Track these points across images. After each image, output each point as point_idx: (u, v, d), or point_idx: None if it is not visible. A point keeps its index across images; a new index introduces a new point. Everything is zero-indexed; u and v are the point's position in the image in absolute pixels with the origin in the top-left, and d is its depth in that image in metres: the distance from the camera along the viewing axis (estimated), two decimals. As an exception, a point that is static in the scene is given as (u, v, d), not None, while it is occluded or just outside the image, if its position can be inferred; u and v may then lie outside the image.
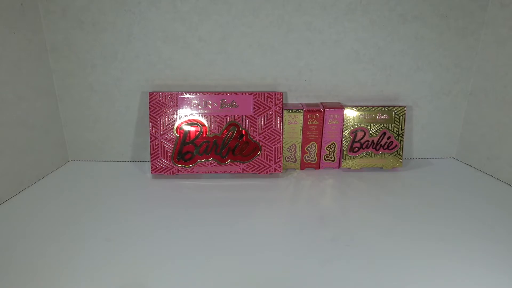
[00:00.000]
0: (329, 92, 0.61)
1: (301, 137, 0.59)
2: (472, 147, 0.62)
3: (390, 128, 0.59)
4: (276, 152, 0.57)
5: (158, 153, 0.56)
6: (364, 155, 0.59)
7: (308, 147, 0.59)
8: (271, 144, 0.57)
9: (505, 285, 0.33)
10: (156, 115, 0.56)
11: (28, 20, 0.53)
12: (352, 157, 0.59)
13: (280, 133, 0.57)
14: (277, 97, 0.57)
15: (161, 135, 0.56)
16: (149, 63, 0.59)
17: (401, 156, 0.59)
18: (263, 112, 0.57)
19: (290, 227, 0.43)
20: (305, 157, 0.60)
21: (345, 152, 0.59)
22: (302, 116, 0.58)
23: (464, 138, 0.64)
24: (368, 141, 0.59)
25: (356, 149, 0.59)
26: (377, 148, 0.59)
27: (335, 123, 0.58)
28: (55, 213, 0.46)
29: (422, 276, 0.34)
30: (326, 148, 0.60)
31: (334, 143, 0.59)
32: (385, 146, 0.59)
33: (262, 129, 0.57)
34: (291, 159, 0.60)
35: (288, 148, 0.59)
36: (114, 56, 0.58)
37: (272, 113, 0.57)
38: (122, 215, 0.45)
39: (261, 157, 0.57)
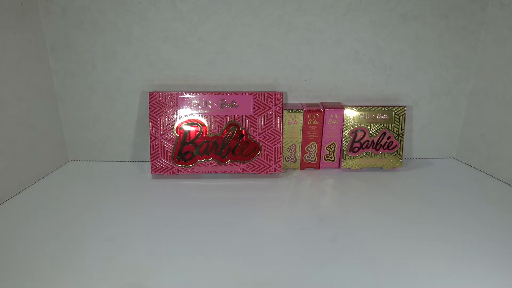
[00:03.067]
0: (329, 92, 0.61)
1: (301, 137, 0.59)
2: (472, 147, 0.62)
3: (390, 128, 0.58)
4: (276, 152, 0.57)
5: (158, 153, 0.56)
6: (364, 155, 0.59)
7: (308, 147, 0.59)
8: (271, 144, 0.57)
9: (506, 285, 0.33)
10: (156, 115, 0.56)
11: (28, 20, 0.53)
12: (352, 157, 0.59)
13: (280, 133, 0.57)
14: (277, 97, 0.57)
15: (161, 135, 0.56)
16: (149, 63, 0.59)
17: (401, 156, 0.59)
18: (263, 112, 0.57)
19: (290, 227, 0.43)
20: (305, 157, 0.60)
21: (345, 152, 0.59)
22: (302, 116, 0.58)
23: (464, 138, 0.64)
24: (368, 141, 0.59)
25: (356, 149, 0.59)
26: (377, 148, 0.59)
27: (335, 123, 0.58)
28: (55, 213, 0.46)
29: (422, 276, 0.34)
30: (326, 148, 0.60)
31: (334, 143, 0.59)
32: (385, 146, 0.59)
33: (262, 129, 0.57)
34: (291, 159, 0.60)
35: (288, 148, 0.59)
36: (114, 56, 0.58)
37: (272, 113, 0.57)
38: (122, 215, 0.45)
39: (261, 157, 0.57)
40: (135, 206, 0.48)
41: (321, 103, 0.61)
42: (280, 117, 0.57)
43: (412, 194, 0.52)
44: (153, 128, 0.56)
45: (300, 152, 0.60)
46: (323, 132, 0.59)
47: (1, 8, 0.48)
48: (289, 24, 0.57)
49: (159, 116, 0.56)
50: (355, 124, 0.59)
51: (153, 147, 0.56)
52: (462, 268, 0.35)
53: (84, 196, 0.51)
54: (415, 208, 0.48)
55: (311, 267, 0.36)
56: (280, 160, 0.57)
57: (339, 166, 0.61)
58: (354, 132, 0.59)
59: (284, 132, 0.58)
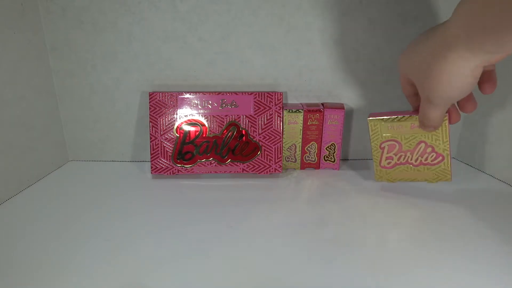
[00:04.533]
0: (329, 92, 0.61)
1: (301, 137, 0.59)
2: (472, 147, 0.62)
3: (428, 138, 0.48)
4: (276, 152, 0.57)
5: (158, 153, 0.56)
6: (401, 169, 0.51)
7: (308, 147, 0.59)
8: (271, 144, 0.57)
9: (506, 285, 0.33)
10: (156, 115, 0.56)
11: (28, 20, 0.53)
12: (386, 170, 0.51)
13: (280, 133, 0.57)
14: (277, 97, 0.57)
15: (161, 135, 0.56)
16: (149, 63, 0.59)
17: (449, 168, 0.49)
18: (263, 112, 0.57)
19: (290, 227, 0.43)
20: (305, 157, 0.60)
21: (378, 166, 0.51)
22: (302, 116, 0.58)
23: (464, 138, 0.64)
24: (404, 153, 0.50)
25: (390, 162, 0.51)
26: (416, 160, 0.50)
27: (335, 123, 0.58)
28: (55, 213, 0.46)
29: (422, 276, 0.34)
30: (326, 149, 0.60)
31: (334, 144, 0.59)
32: (425, 159, 0.49)
33: (262, 129, 0.57)
34: (291, 159, 0.60)
35: (288, 148, 0.59)
36: (114, 56, 0.58)
37: (272, 113, 0.57)
38: (122, 215, 0.45)
39: (261, 157, 0.57)
40: (135, 206, 0.48)
41: (321, 103, 0.61)
42: (280, 117, 0.57)
43: (411, 194, 0.52)
44: (153, 128, 0.56)
45: (300, 152, 0.60)
46: (323, 132, 0.59)
47: (1, 8, 0.48)
48: (289, 24, 0.57)
49: (159, 116, 0.56)
50: (384, 136, 0.50)
51: (153, 147, 0.56)
52: (462, 267, 0.35)
53: (84, 196, 0.51)
54: (414, 208, 0.48)
55: (311, 267, 0.36)
56: (280, 160, 0.57)
57: (339, 167, 0.61)
58: (384, 144, 0.50)
59: (284, 132, 0.58)
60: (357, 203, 0.49)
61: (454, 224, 0.44)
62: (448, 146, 0.48)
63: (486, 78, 0.40)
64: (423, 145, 0.49)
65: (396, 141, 0.49)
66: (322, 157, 0.60)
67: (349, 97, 0.62)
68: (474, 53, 0.32)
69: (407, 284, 0.33)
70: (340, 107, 0.58)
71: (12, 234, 0.41)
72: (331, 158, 0.60)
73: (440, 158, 0.49)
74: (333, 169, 0.61)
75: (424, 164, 0.50)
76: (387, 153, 0.50)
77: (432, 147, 0.48)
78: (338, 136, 0.59)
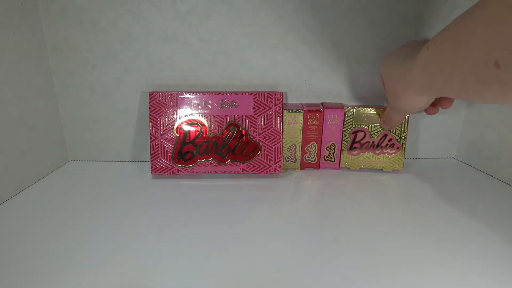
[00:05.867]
0: (329, 92, 0.61)
1: (301, 137, 0.59)
2: (472, 147, 0.62)
3: (391, 130, 0.58)
4: (276, 152, 0.57)
5: (158, 153, 0.56)
6: (364, 156, 0.59)
7: (308, 147, 0.59)
8: (271, 144, 0.57)
9: (505, 285, 0.33)
10: (156, 115, 0.56)
11: (28, 20, 0.53)
12: (351, 157, 0.59)
13: (280, 133, 0.57)
14: (277, 97, 0.57)
15: (161, 135, 0.56)
16: (149, 63, 0.59)
17: (403, 158, 0.59)
18: (263, 112, 0.57)
19: (290, 227, 0.43)
20: (305, 157, 0.60)
21: (344, 152, 0.59)
22: (302, 116, 0.58)
23: (464, 138, 0.64)
24: (369, 142, 0.59)
25: (356, 149, 0.59)
26: (377, 149, 0.59)
27: (335, 123, 0.58)
28: (55, 213, 0.46)
29: (422, 276, 0.34)
30: (326, 149, 0.60)
31: (334, 144, 0.59)
32: (386, 148, 0.59)
33: (262, 129, 0.57)
34: (291, 159, 0.60)
35: (288, 148, 0.59)
36: (114, 56, 0.58)
37: (272, 113, 0.57)
38: (122, 215, 0.45)
39: (261, 157, 0.57)
40: (135, 206, 0.48)
41: (321, 103, 0.61)
42: (280, 117, 0.57)
43: (411, 194, 0.52)
44: (153, 128, 0.56)
45: (300, 152, 0.60)
46: (323, 132, 0.59)
47: (1, 8, 0.48)
48: (289, 24, 0.57)
49: (159, 116, 0.56)
50: (355, 125, 0.58)
51: (153, 147, 0.56)
52: (462, 268, 0.36)
53: (84, 196, 0.51)
54: (415, 208, 0.48)
55: (311, 267, 0.36)
56: (280, 160, 0.57)
57: (339, 166, 0.61)
58: (354, 133, 0.58)
59: (284, 132, 0.58)
60: (357, 203, 0.49)
61: (455, 224, 0.44)
62: (406, 139, 0.58)
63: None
64: (386, 136, 0.58)
65: (365, 131, 0.58)
66: (322, 157, 0.60)
67: (349, 97, 0.62)
68: (424, 94, 0.44)
69: (407, 284, 0.33)
70: (340, 107, 0.58)
71: (12, 234, 0.41)
72: (331, 158, 0.60)
73: (398, 149, 0.58)
74: (333, 169, 0.61)
75: (384, 153, 0.59)
76: (356, 140, 0.59)
77: (393, 138, 0.58)
78: (338, 136, 0.59)
